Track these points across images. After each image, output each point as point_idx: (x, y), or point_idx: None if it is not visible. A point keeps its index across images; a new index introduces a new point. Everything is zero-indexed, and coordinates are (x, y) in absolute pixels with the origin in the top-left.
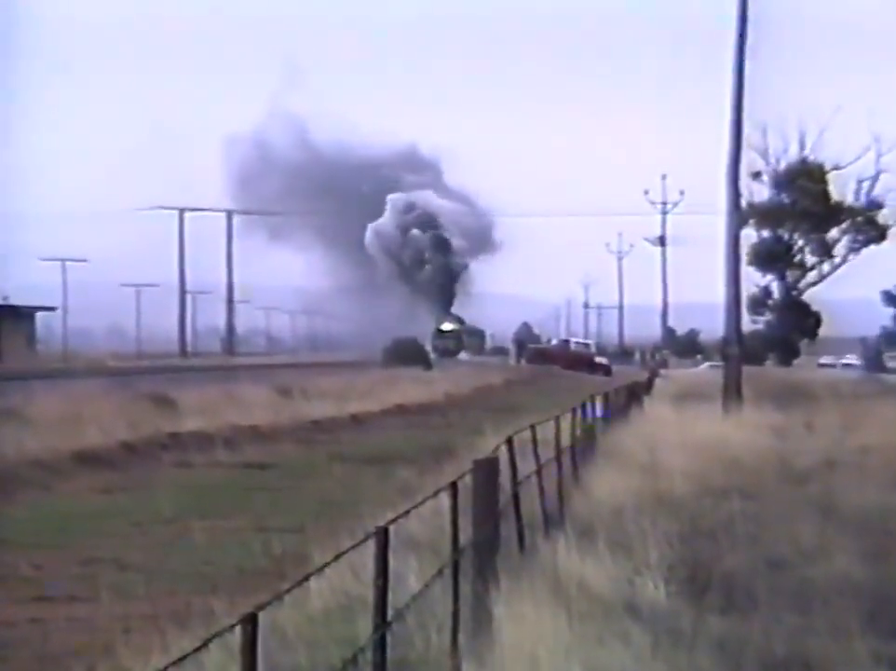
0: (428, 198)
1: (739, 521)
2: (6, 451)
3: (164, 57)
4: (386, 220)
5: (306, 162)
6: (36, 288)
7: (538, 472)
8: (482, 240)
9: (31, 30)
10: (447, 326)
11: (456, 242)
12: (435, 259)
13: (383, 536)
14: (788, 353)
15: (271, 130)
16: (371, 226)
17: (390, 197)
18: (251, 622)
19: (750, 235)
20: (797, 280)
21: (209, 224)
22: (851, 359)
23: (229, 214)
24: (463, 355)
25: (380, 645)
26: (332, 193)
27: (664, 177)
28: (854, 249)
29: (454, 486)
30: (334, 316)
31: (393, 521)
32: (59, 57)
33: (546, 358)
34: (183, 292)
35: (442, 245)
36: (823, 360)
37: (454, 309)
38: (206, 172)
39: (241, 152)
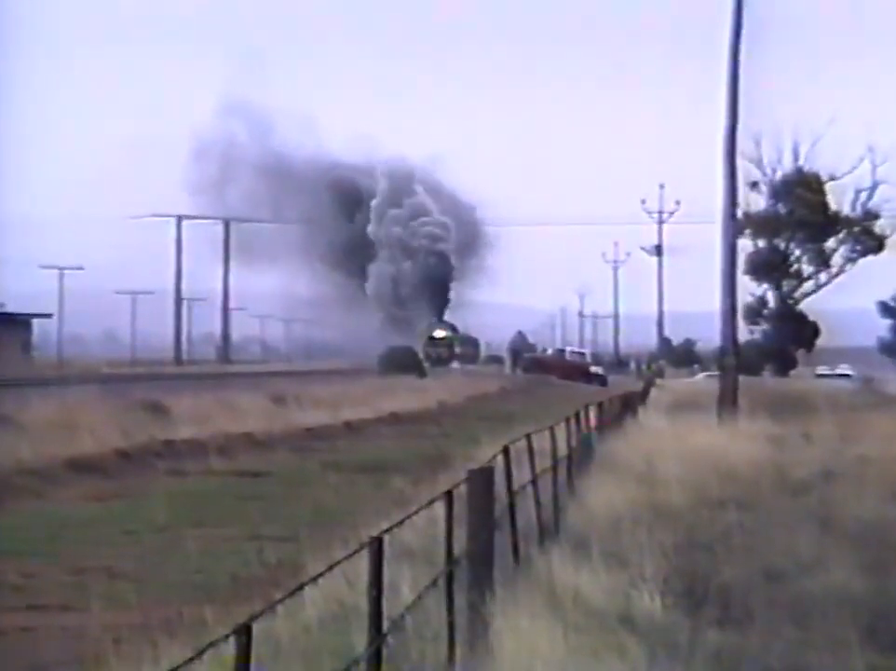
0: (421, 206)
1: (735, 532)
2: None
3: (162, 58)
4: (373, 226)
5: (286, 168)
6: (31, 295)
7: (534, 482)
8: (477, 249)
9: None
10: (439, 333)
11: (450, 250)
12: (427, 267)
13: (377, 546)
14: (785, 363)
15: (234, 130)
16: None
17: (376, 202)
18: (244, 632)
19: (746, 245)
20: (793, 290)
21: (202, 231)
22: (846, 368)
23: (226, 223)
24: (454, 365)
25: (375, 657)
26: (322, 200)
27: (662, 186)
28: (851, 259)
29: (448, 495)
30: (326, 324)
31: (387, 531)
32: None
33: (541, 367)
34: (178, 299)
35: (435, 253)
36: (821, 370)
37: (446, 317)
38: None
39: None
